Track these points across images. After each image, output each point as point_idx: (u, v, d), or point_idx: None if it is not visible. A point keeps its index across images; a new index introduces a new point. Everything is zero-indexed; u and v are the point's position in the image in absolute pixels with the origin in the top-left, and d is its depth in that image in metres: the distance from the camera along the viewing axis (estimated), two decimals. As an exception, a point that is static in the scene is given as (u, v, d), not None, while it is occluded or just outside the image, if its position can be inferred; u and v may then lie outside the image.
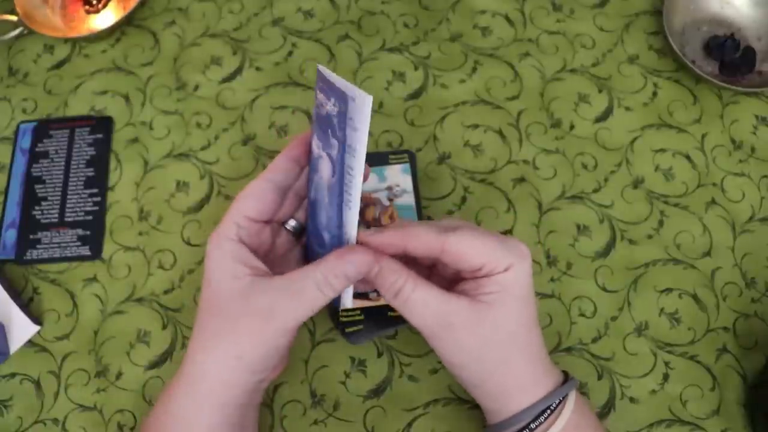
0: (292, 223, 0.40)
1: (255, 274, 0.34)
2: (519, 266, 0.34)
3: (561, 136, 0.51)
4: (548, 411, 0.35)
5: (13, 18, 0.55)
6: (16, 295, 0.47)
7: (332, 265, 0.33)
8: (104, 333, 0.46)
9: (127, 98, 0.54)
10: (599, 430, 0.37)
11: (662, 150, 0.51)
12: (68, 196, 0.50)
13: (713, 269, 0.47)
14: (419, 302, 0.34)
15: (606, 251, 0.47)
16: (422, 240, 0.34)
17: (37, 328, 0.46)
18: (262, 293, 0.34)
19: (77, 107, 0.54)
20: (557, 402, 0.35)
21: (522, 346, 0.35)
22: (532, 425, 0.34)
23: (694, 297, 0.46)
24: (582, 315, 0.45)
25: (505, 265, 0.34)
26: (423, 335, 0.36)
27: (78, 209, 0.50)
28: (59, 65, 0.56)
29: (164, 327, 0.46)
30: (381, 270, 0.34)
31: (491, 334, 0.34)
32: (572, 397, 0.36)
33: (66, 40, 0.57)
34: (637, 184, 0.50)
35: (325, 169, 0.35)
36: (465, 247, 0.34)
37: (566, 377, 0.37)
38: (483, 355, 0.34)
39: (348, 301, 0.37)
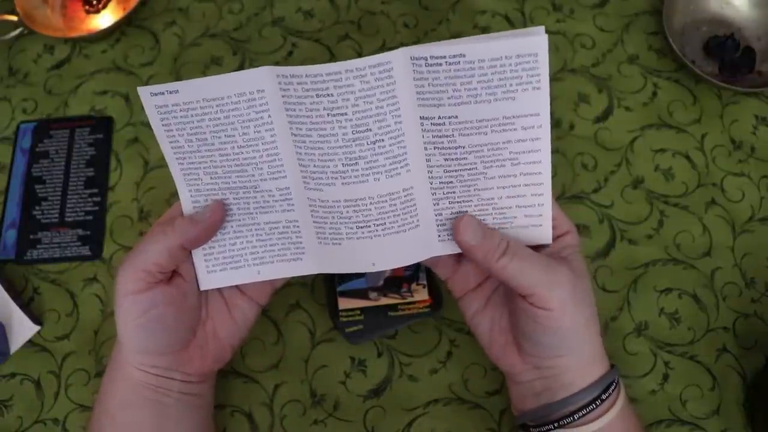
0: None
1: None
2: (574, 228, 0.37)
3: (561, 136, 0.51)
4: (614, 384, 0.35)
5: (14, 18, 0.55)
6: (16, 295, 0.47)
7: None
8: (104, 333, 0.46)
9: (127, 98, 0.54)
10: (639, 417, 0.38)
11: (662, 150, 0.51)
12: (68, 196, 0.50)
13: (713, 269, 0.47)
14: (527, 257, 0.34)
15: (606, 251, 0.47)
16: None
17: (37, 328, 0.46)
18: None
19: (77, 107, 0.54)
20: (617, 378, 0.36)
21: (594, 305, 0.36)
22: (603, 396, 0.34)
23: (694, 297, 0.46)
24: (582, 315, 0.45)
25: (564, 231, 0.36)
26: (535, 299, 0.34)
27: (78, 209, 0.50)
28: (59, 65, 0.56)
29: (164, 327, 0.46)
30: (487, 233, 0.35)
31: (584, 286, 0.35)
32: (621, 379, 0.37)
33: (66, 40, 0.57)
34: (637, 184, 0.50)
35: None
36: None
37: None
38: (583, 309, 0.35)
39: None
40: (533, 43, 0.32)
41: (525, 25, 0.56)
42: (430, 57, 0.32)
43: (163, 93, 0.34)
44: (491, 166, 0.35)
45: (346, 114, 0.33)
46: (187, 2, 0.58)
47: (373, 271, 0.38)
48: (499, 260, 0.34)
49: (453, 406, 0.43)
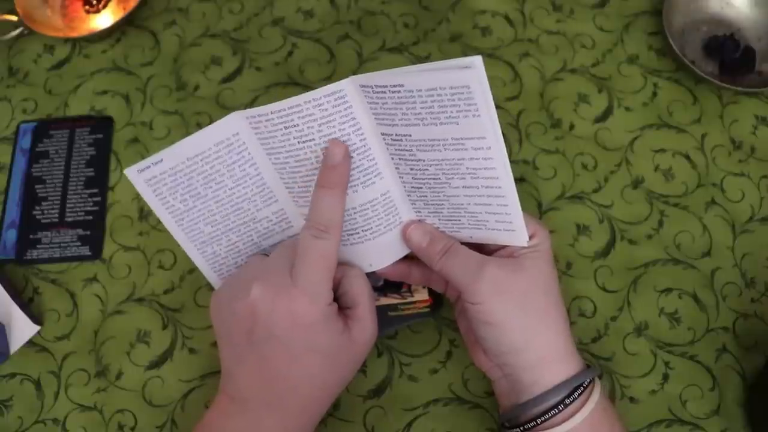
0: None
1: None
2: (542, 232, 0.37)
3: (561, 136, 0.51)
4: (582, 387, 0.35)
5: (14, 18, 0.55)
6: (16, 295, 0.47)
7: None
8: (104, 333, 0.46)
9: (127, 98, 0.54)
10: (620, 421, 0.37)
11: (662, 150, 0.51)
12: (68, 196, 0.50)
13: (713, 269, 0.47)
14: (459, 255, 0.37)
15: (606, 251, 0.47)
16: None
17: (37, 328, 0.46)
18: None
19: (77, 107, 0.54)
20: (588, 381, 0.35)
21: (557, 304, 0.37)
22: (567, 401, 0.34)
23: (694, 297, 0.46)
24: (582, 315, 0.45)
25: (530, 233, 0.37)
26: (465, 295, 0.36)
27: (78, 209, 0.50)
28: (59, 65, 0.56)
29: (164, 327, 0.46)
30: (434, 238, 0.38)
31: (530, 283, 0.36)
32: (598, 381, 0.36)
33: (66, 40, 0.57)
34: (637, 184, 0.50)
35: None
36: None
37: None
38: (526, 304, 0.35)
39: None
40: (463, 77, 0.31)
41: (525, 26, 0.56)
42: (375, 86, 0.33)
43: (149, 167, 0.37)
44: (453, 177, 0.36)
45: (314, 139, 0.35)
46: (187, 2, 0.58)
47: (371, 271, 0.40)
48: (438, 260, 0.37)
49: (453, 406, 0.43)
